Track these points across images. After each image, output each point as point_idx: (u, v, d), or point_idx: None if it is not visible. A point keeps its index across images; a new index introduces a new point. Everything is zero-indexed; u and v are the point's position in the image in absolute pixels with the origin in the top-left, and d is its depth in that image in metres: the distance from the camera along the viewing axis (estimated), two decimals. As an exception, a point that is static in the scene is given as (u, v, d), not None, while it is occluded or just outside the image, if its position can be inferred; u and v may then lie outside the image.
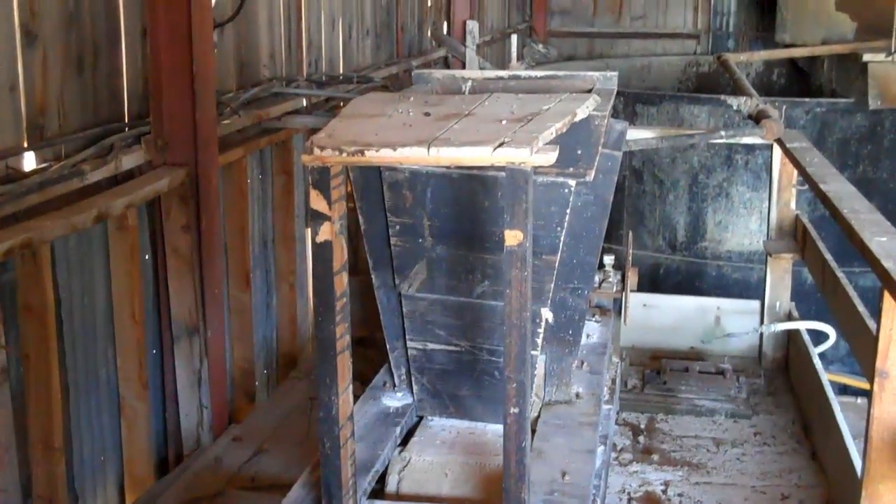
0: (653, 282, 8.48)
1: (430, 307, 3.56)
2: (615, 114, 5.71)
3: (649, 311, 5.57)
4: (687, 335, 5.52)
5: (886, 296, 2.86)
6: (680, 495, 4.06)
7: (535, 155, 2.76)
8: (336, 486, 2.90)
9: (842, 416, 4.05)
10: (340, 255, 2.88)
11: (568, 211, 3.43)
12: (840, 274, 4.29)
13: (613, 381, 4.33)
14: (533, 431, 3.40)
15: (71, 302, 4.08)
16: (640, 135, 5.58)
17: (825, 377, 4.48)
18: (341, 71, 7.19)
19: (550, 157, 2.78)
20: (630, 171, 9.02)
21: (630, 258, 5.13)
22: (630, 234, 5.40)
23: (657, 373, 5.15)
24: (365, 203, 3.53)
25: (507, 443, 2.79)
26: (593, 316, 4.42)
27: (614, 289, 4.74)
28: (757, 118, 5.76)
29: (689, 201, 8.84)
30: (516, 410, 2.78)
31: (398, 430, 3.50)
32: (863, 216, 3.62)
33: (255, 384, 5.66)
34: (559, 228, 3.46)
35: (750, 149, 8.27)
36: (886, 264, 2.97)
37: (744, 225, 8.46)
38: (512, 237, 2.78)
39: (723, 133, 6.26)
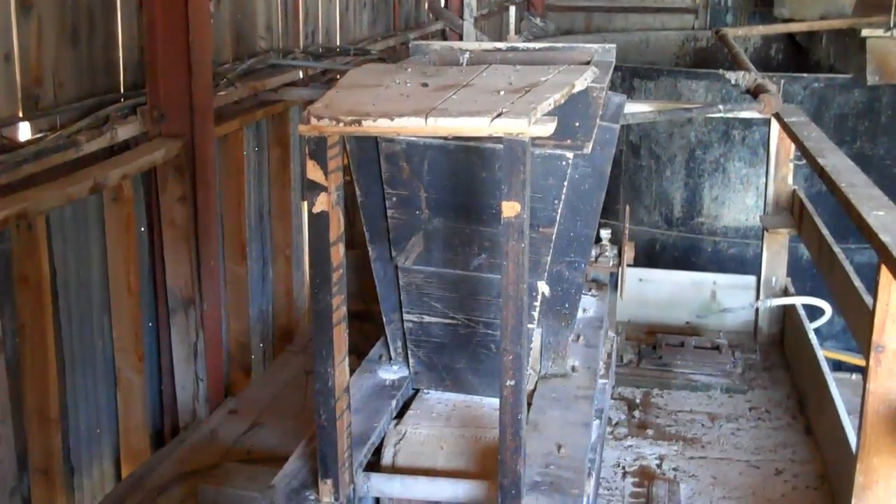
0: (649, 257, 8.47)
1: (427, 280, 3.55)
2: (613, 88, 5.69)
3: (645, 285, 5.56)
4: (683, 310, 5.52)
5: (883, 270, 2.86)
6: (675, 469, 4.07)
7: (533, 126, 2.74)
8: (332, 459, 2.90)
9: (837, 391, 4.06)
10: (337, 226, 2.87)
11: (565, 183, 3.42)
12: (837, 249, 4.28)
13: (609, 356, 4.33)
14: (529, 405, 3.40)
15: (67, 273, 4.07)
16: (637, 108, 5.55)
17: (820, 352, 4.48)
18: (338, 43, 7.15)
19: (548, 128, 2.77)
20: (627, 146, 9.00)
21: (627, 232, 5.13)
22: (627, 208, 5.40)
23: (653, 347, 5.15)
24: (362, 175, 3.52)
25: (503, 415, 2.79)
26: (590, 290, 4.41)
27: (611, 263, 4.74)
28: (754, 93, 5.74)
29: (685, 176, 8.83)
30: (512, 383, 2.77)
31: (394, 402, 3.50)
32: (860, 190, 3.61)
33: (251, 357, 5.66)
34: (556, 201, 3.45)
35: (747, 124, 8.25)
36: (884, 238, 2.96)
37: (740, 200, 8.45)
38: (509, 208, 2.77)
39: (720, 107, 6.23)
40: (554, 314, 3.67)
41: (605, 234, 4.96)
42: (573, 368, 3.71)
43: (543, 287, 3.53)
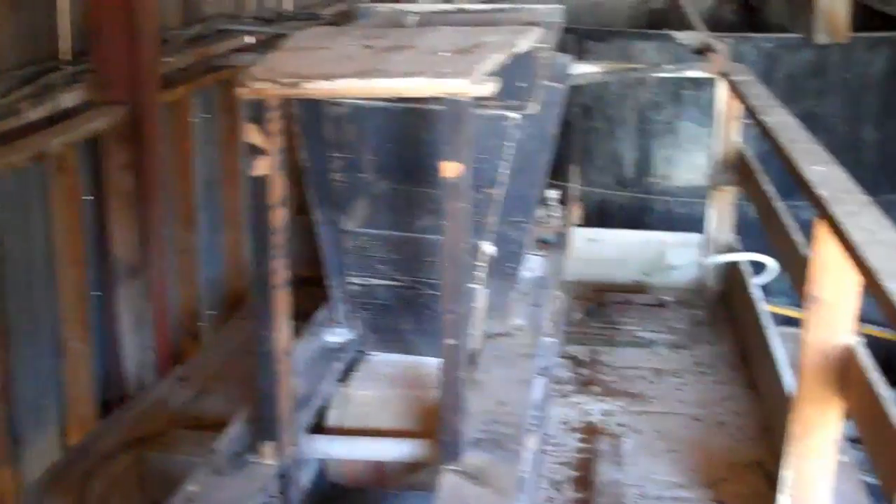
0: (601, 217, 8.51)
1: (372, 242, 3.57)
2: (565, 50, 5.69)
3: (594, 245, 5.61)
4: (631, 268, 5.57)
5: (819, 223, 2.90)
6: (620, 425, 4.13)
7: (473, 85, 2.75)
8: (273, 421, 2.92)
9: (778, 343, 4.12)
10: (278, 190, 2.87)
11: (510, 144, 3.44)
12: (779, 205, 4.34)
13: (556, 315, 4.38)
14: (474, 364, 3.43)
15: (9, 243, 4.04)
16: (586, 69, 5.57)
17: (762, 307, 4.55)
18: (289, 7, 7.10)
19: (489, 87, 2.78)
20: (580, 108, 9.01)
21: (574, 193, 5.17)
22: (575, 168, 5.44)
23: (600, 306, 5.20)
24: (307, 139, 3.52)
25: (444, 374, 2.82)
26: (536, 250, 4.45)
27: (558, 223, 4.78)
28: (702, 52, 5.78)
29: (637, 137, 8.86)
30: (453, 342, 2.80)
31: (340, 365, 3.52)
32: (802, 146, 3.65)
33: (200, 325, 5.65)
34: (501, 162, 3.47)
35: (698, 84, 8.28)
36: (820, 191, 3.00)
37: (691, 160, 8.50)
38: (450, 169, 2.78)
39: (668, 67, 6.28)
40: (499, 274, 3.70)
41: (553, 194, 5.00)
42: (518, 327, 3.75)
43: (488, 247, 3.56)
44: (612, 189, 8.87)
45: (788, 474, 3.02)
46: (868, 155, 8.67)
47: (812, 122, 8.36)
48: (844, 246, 2.65)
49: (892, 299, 2.21)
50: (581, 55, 8.66)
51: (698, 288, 5.44)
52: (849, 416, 2.86)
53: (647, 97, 8.74)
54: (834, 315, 2.88)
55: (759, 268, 5.08)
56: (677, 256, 5.51)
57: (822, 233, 2.89)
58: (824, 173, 3.22)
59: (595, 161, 9.00)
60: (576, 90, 8.06)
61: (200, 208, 5.69)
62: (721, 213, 5.44)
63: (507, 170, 3.51)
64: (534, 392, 3.52)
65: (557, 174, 5.29)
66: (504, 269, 3.72)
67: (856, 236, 2.61)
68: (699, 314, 5.19)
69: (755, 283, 4.87)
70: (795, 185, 3.31)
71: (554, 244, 4.61)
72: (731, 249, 5.34)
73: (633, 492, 3.69)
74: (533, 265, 4.30)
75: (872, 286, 2.31)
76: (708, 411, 4.22)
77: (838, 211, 2.81)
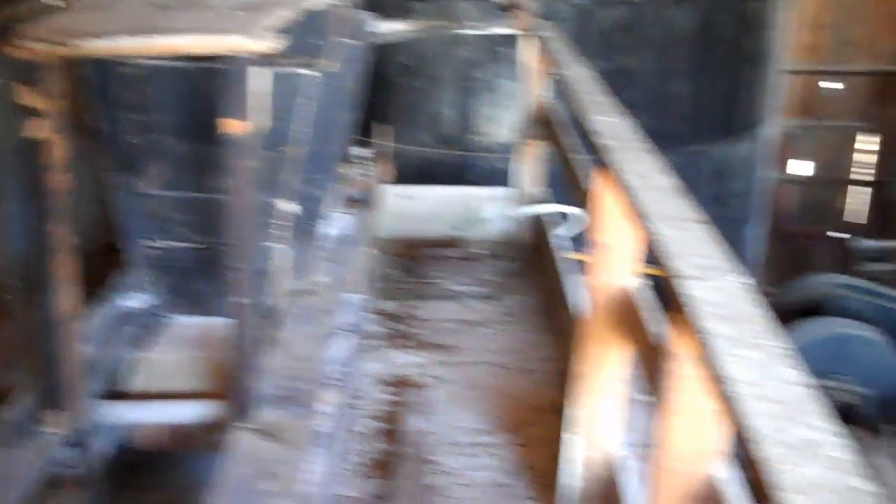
0: (423, 176, 8.57)
1: (169, 205, 3.51)
2: (383, 9, 5.69)
3: (408, 202, 5.65)
4: (444, 224, 5.65)
5: (600, 170, 3.00)
6: (430, 376, 4.20)
7: (252, 41, 2.72)
8: (58, 389, 2.84)
9: (574, 289, 4.25)
10: (58, 153, 2.78)
11: (306, 101, 3.42)
12: (577, 157, 4.46)
13: (366, 271, 4.40)
14: (275, 322, 3.43)
15: None
16: (391, 27, 5.58)
17: (563, 257, 4.69)
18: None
19: (269, 44, 2.75)
20: (399, 67, 9.03)
21: (385, 151, 5.19)
22: (385, 126, 5.45)
23: (414, 261, 5.26)
24: (99, 101, 3.41)
25: (235, 333, 2.80)
26: (344, 208, 4.45)
27: (367, 181, 4.79)
28: (510, 9, 5.87)
29: (457, 96, 8.94)
30: (243, 301, 2.79)
31: (137, 330, 3.46)
32: (592, 98, 3.75)
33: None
34: (298, 119, 3.45)
35: (513, 42, 8.41)
36: (600, 140, 3.11)
37: (508, 117, 8.64)
38: (234, 126, 2.76)
39: (474, 24, 6.35)
40: (300, 232, 3.69)
41: (364, 152, 5.01)
42: (321, 284, 3.75)
43: (288, 205, 3.55)
44: (433, 147, 8.94)
45: (578, 413, 3.14)
46: (679, 108, 9.00)
47: (625, 77, 8.64)
48: (620, 191, 2.75)
49: (660, 241, 2.31)
50: (402, 14, 8.68)
51: (509, 241, 5.56)
52: (631, 354, 2.99)
53: (466, 55, 8.82)
54: (615, 258, 3.00)
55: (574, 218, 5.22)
56: (489, 210, 5.61)
57: (602, 180, 2.99)
58: (608, 123, 3.32)
59: (416, 119, 9.05)
60: (394, 49, 8.07)
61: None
62: (529, 166, 5.57)
63: (306, 127, 3.49)
64: (337, 348, 3.53)
65: (369, 132, 5.31)
66: (305, 227, 3.71)
67: (631, 182, 2.71)
68: (509, 266, 5.31)
69: (558, 233, 5.00)
70: (580, 134, 3.41)
71: (363, 202, 4.62)
72: (539, 202, 5.48)
73: (440, 440, 3.76)
74: (341, 223, 4.31)
75: (644, 229, 2.41)
76: (515, 359, 4.34)
77: (616, 158, 2.91)
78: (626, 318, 2.91)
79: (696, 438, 2.06)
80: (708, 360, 1.75)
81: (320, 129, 3.65)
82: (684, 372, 1.99)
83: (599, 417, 3.11)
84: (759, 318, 1.84)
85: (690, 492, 2.10)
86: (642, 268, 3.10)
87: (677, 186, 2.61)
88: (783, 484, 1.39)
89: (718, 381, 1.68)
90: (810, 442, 1.50)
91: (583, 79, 4.22)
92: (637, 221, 2.49)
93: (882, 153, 12.28)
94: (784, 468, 1.43)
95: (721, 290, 1.95)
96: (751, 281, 1.99)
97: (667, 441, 2.11)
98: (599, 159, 3.07)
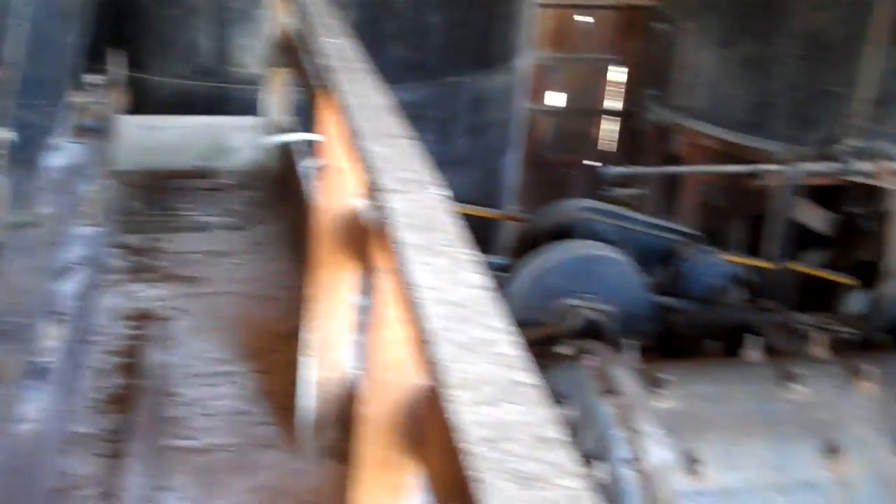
0: (179, 107, 8.33)
1: None
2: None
3: (153, 132, 5.49)
4: (191, 154, 5.52)
5: (321, 90, 3.01)
6: (173, 308, 4.13)
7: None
8: None
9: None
10: None
11: (16, 23, 3.24)
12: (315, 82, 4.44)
13: (103, 203, 4.25)
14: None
15: None
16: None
17: (309, 185, 4.68)
18: None
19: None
20: (151, -4, 8.70)
21: (118, 78, 4.99)
22: (120, 54, 5.24)
23: (159, 193, 5.13)
24: None
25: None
26: (74, 136, 4.27)
27: (102, 109, 4.61)
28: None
29: (213, 26, 8.72)
30: (-55, 231, 2.64)
31: None
32: (321, 20, 3.74)
33: None
34: (7, 41, 3.27)
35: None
36: (322, 61, 3.11)
37: (262, 47, 8.51)
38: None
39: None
40: (20, 161, 3.52)
41: (98, 79, 4.81)
42: (47, 216, 3.60)
43: (5, 133, 3.37)
44: (187, 79, 8.70)
45: (311, 336, 3.16)
46: (435, 39, 9.10)
47: (380, 7, 8.64)
48: (339, 110, 2.77)
49: (366, 156, 2.34)
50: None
51: (256, 170, 5.50)
52: (363, 274, 3.03)
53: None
54: (344, 181, 3.01)
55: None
56: (236, 140, 5.52)
57: (326, 101, 3.00)
58: (334, 45, 3.32)
59: (171, 49, 8.77)
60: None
61: None
62: (277, 95, 5.50)
63: (18, 50, 3.31)
64: (67, 282, 3.41)
65: (103, 59, 5.08)
66: (26, 155, 3.54)
67: (348, 101, 2.73)
68: (258, 196, 5.26)
69: (305, 162, 4.99)
70: (303, 55, 3.40)
71: (97, 131, 4.45)
72: (287, 131, 5.43)
73: (181, 372, 3.72)
74: (70, 152, 4.13)
75: (352, 145, 2.44)
76: (259, 288, 4.33)
77: (337, 79, 2.92)
78: (354, 239, 2.94)
79: (400, 349, 2.12)
80: (398, 269, 1.79)
81: (38, 53, 3.47)
82: (385, 284, 2.04)
83: (332, 339, 3.15)
84: (451, 227, 1.90)
85: (401, 402, 2.16)
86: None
87: (392, 105, 2.64)
88: (449, 381, 1.46)
89: (405, 288, 1.73)
90: (483, 341, 1.57)
91: (315, 3, 4.19)
92: (351, 140, 2.51)
93: (629, 84, 12.85)
94: (453, 366, 1.49)
95: (418, 202, 2.00)
96: (448, 193, 2.05)
97: (375, 354, 2.17)
98: (323, 80, 3.07)
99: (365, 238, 2.84)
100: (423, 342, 1.56)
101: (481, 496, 1.26)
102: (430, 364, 1.50)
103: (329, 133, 3.01)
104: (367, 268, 2.79)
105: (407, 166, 2.19)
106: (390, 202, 2.00)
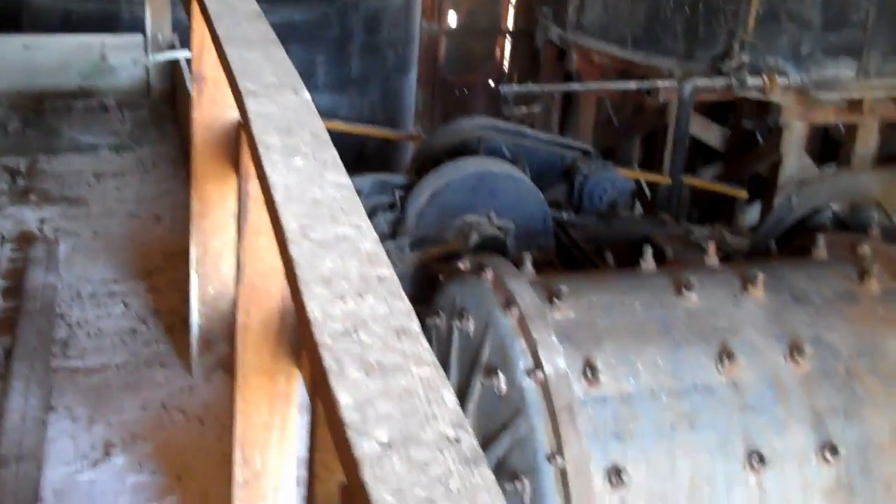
0: (61, 27, 8.06)
1: None
2: None
3: (30, 52, 5.30)
4: (72, 74, 5.36)
5: (191, 2, 2.93)
6: (56, 230, 4.04)
7: None
8: None
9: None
10: None
11: None
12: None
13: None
14: None
15: None
16: None
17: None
18: None
19: None
20: None
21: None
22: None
23: (39, 114, 4.98)
24: None
25: None
26: None
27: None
28: None
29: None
30: None
31: None
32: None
33: None
34: None
35: None
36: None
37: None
38: None
39: None
40: None
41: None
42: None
43: None
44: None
45: (195, 251, 3.12)
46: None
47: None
48: (206, 17, 2.70)
49: (231, 62, 2.29)
50: None
51: (141, 89, 5.37)
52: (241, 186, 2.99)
53: None
54: (219, 92, 2.95)
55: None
56: (119, 58, 5.37)
57: (195, 10, 2.91)
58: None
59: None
60: None
61: None
62: (157, 10, 5.35)
63: None
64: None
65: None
66: None
67: (213, 8, 2.66)
68: (143, 115, 5.14)
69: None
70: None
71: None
72: (171, 48, 5.30)
73: (67, 293, 3.65)
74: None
75: (218, 49, 2.38)
76: (146, 208, 4.25)
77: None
78: (231, 150, 2.90)
79: (273, 255, 2.10)
80: (261, 171, 1.77)
81: None
82: (252, 189, 2.02)
83: (218, 254, 3.12)
84: (314, 130, 1.88)
85: (273, 308, 2.15)
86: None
87: (257, 11, 2.59)
88: (306, 277, 1.45)
89: (268, 190, 1.71)
90: (343, 238, 1.57)
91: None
92: (218, 46, 2.46)
93: (525, 2, 12.81)
94: (310, 262, 1.48)
95: (282, 105, 1.98)
96: (308, 96, 2.03)
97: (250, 261, 2.15)
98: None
99: (240, 150, 2.80)
100: (283, 242, 1.55)
101: (335, 387, 1.27)
102: (290, 263, 1.49)
103: (199, 43, 2.94)
104: (242, 177, 2.76)
105: (272, 70, 2.15)
106: (255, 106, 1.97)
